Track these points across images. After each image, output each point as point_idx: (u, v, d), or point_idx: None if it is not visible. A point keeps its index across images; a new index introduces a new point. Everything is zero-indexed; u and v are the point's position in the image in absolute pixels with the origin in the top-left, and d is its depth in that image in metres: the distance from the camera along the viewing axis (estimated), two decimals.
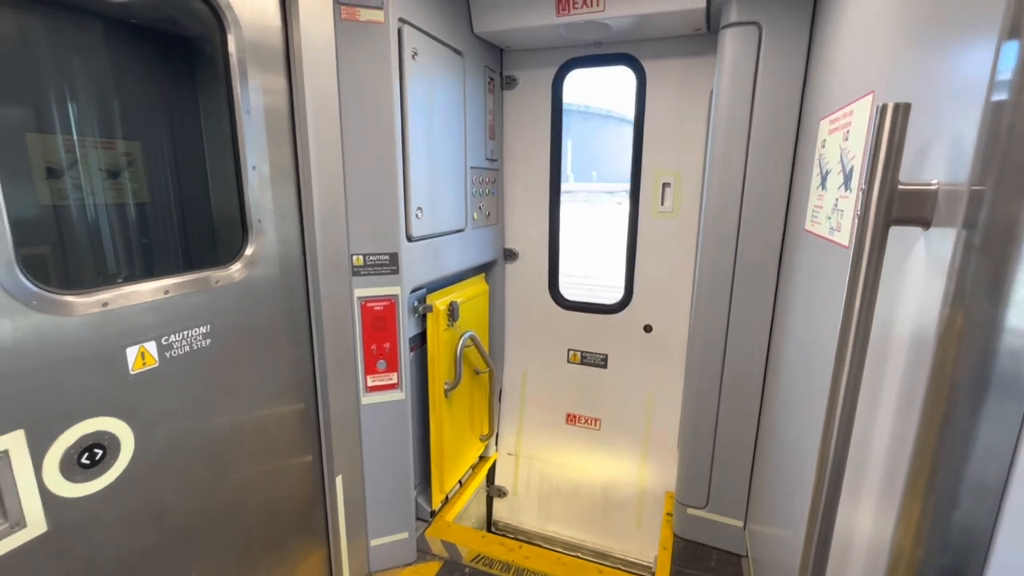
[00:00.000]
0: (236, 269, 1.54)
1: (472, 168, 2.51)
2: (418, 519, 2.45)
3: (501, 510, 3.27)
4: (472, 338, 2.53)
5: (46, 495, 1.11)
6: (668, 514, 2.61)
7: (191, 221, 2.08)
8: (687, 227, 2.61)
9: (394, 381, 2.08)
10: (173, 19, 1.84)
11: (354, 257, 1.92)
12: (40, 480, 1.09)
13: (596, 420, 3.01)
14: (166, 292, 1.33)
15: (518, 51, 2.73)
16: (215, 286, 1.47)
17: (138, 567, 1.33)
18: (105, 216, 1.85)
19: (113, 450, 1.24)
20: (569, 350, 3.01)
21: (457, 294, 2.47)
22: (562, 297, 2.99)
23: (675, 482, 2.50)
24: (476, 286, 2.76)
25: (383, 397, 2.08)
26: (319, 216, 1.76)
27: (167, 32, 1.90)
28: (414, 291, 2.17)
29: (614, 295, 2.92)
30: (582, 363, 2.99)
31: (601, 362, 2.95)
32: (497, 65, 2.71)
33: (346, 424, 1.99)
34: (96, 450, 1.20)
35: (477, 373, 2.77)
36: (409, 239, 2.03)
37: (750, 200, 1.99)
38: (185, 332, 1.39)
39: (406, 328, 2.08)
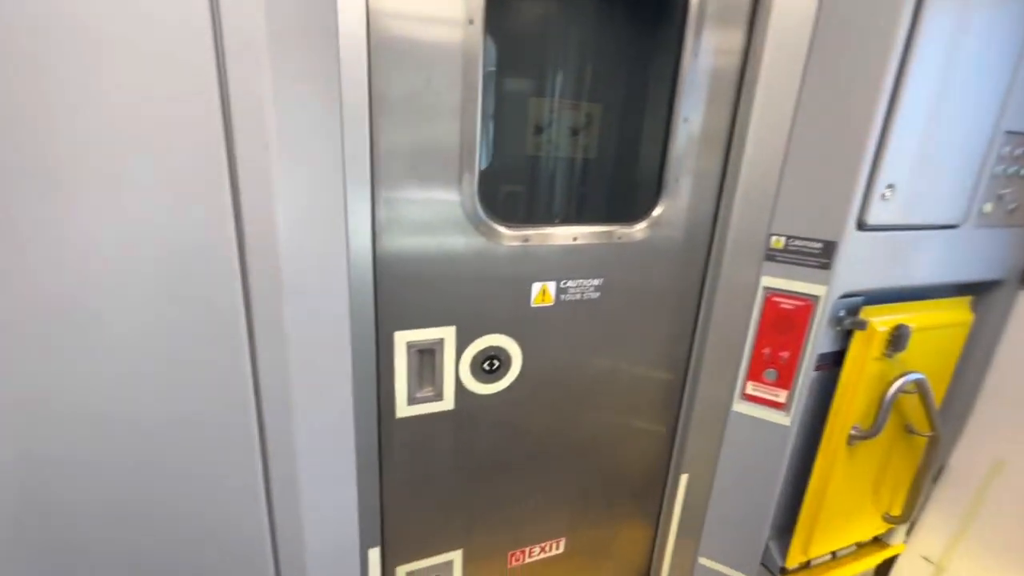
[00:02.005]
0: (639, 228, 1.47)
1: (1007, 133, 1.60)
2: (762, 564, 2.02)
3: None
4: (919, 383, 1.75)
5: (457, 383, 1.39)
6: None
7: (618, 177, 2.19)
8: None
9: (781, 400, 1.66)
10: None
11: (773, 238, 1.55)
12: (456, 369, 1.37)
13: None
14: (574, 239, 1.40)
15: None
16: (616, 241, 1.46)
17: (499, 465, 1.56)
18: (560, 168, 2.16)
19: (506, 364, 1.44)
20: None
21: (912, 315, 1.72)
22: None
23: None
24: (951, 312, 1.86)
25: (760, 412, 1.70)
26: (743, 184, 1.48)
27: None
28: (845, 296, 1.62)
29: None
30: None
31: None
32: None
33: (708, 424, 1.75)
34: (495, 360, 1.42)
35: (910, 432, 1.93)
36: (860, 226, 1.48)
37: None
38: (580, 280, 1.45)
39: (818, 340, 1.59)
